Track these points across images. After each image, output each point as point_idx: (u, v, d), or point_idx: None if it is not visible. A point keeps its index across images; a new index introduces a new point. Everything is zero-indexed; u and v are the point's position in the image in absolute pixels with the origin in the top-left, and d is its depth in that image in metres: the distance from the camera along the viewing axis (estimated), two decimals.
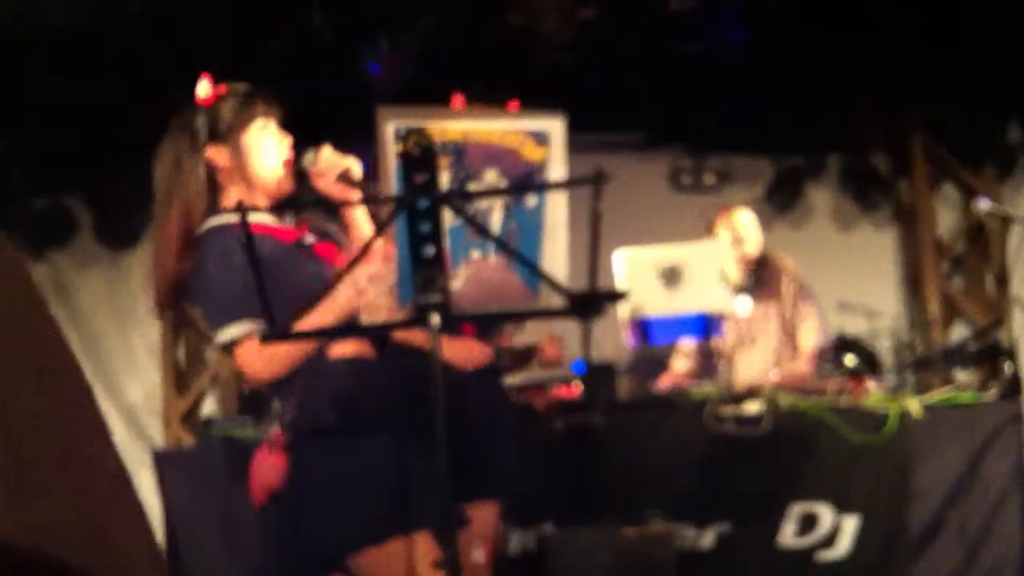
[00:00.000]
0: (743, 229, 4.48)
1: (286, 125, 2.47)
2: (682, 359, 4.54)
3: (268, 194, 2.43)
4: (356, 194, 2.39)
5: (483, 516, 2.57)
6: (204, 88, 2.40)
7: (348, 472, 2.20)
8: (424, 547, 2.17)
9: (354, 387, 2.26)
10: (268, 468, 2.26)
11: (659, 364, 4.54)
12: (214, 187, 2.39)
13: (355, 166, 2.40)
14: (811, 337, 4.41)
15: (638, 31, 5.28)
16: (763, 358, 4.42)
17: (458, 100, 2.58)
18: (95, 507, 1.07)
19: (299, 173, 2.44)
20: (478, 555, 2.54)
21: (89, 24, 4.49)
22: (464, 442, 2.31)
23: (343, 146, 2.61)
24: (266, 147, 2.41)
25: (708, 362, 4.49)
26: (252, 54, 4.61)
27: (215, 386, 6.08)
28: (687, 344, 4.49)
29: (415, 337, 2.10)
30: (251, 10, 4.63)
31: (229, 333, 2.24)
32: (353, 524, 2.18)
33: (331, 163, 2.39)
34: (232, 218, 2.27)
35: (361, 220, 2.45)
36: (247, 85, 2.45)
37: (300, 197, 2.45)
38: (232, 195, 2.39)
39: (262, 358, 2.21)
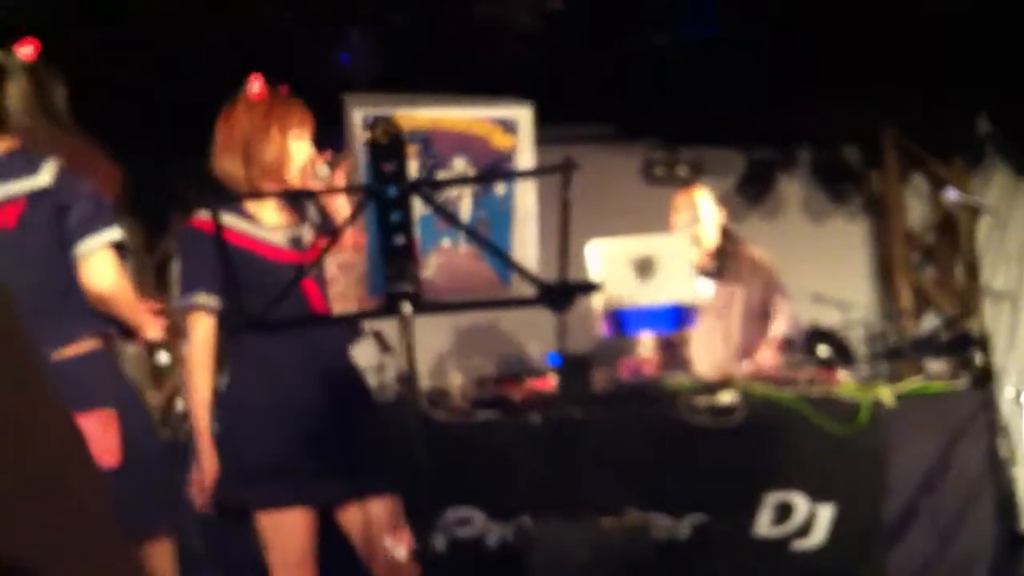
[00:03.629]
0: (699, 207, 4.47)
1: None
2: (648, 350, 4.54)
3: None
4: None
5: (379, 511, 2.62)
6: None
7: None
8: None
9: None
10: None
11: (630, 355, 4.54)
12: None
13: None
14: (781, 329, 4.43)
15: (609, 23, 5.27)
16: (725, 344, 4.43)
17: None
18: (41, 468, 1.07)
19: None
20: (399, 551, 2.59)
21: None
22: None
23: (314, 136, 2.63)
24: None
25: (675, 352, 4.50)
26: (218, 44, 4.57)
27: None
28: (649, 337, 4.49)
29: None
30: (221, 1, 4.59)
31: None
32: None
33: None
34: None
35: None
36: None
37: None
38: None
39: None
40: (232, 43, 4.58)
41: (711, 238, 4.46)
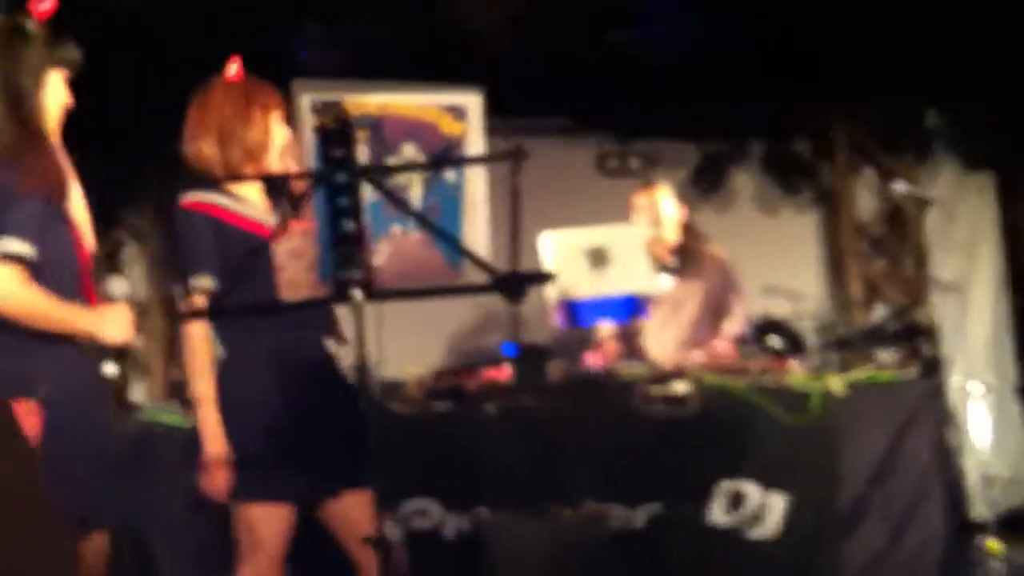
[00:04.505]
0: (661, 206, 4.50)
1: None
2: (607, 339, 4.56)
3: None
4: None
5: (359, 503, 2.61)
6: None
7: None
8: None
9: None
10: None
11: (585, 345, 4.56)
12: None
13: None
14: (733, 328, 4.48)
15: (564, 18, 5.29)
16: (678, 336, 4.46)
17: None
18: None
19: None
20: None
21: None
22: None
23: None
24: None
25: (631, 342, 4.52)
26: (174, 40, 4.52)
27: (143, 372, 5.97)
28: (608, 326, 4.51)
29: None
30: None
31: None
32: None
33: None
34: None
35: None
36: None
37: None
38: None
39: None
40: (184, 31, 4.53)
41: (672, 236, 4.49)
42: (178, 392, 4.28)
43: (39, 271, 2.30)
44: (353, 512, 2.63)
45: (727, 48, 5.42)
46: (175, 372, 4.44)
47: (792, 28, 5.30)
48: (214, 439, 2.53)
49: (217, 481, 2.54)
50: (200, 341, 2.43)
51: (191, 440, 2.59)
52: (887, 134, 6.26)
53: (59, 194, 2.32)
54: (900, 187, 5.16)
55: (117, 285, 2.43)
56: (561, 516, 3.51)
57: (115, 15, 4.37)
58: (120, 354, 2.43)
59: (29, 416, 2.27)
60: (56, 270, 2.34)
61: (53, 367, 2.34)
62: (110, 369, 2.34)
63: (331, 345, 2.68)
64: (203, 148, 2.59)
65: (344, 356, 4.02)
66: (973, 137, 6.27)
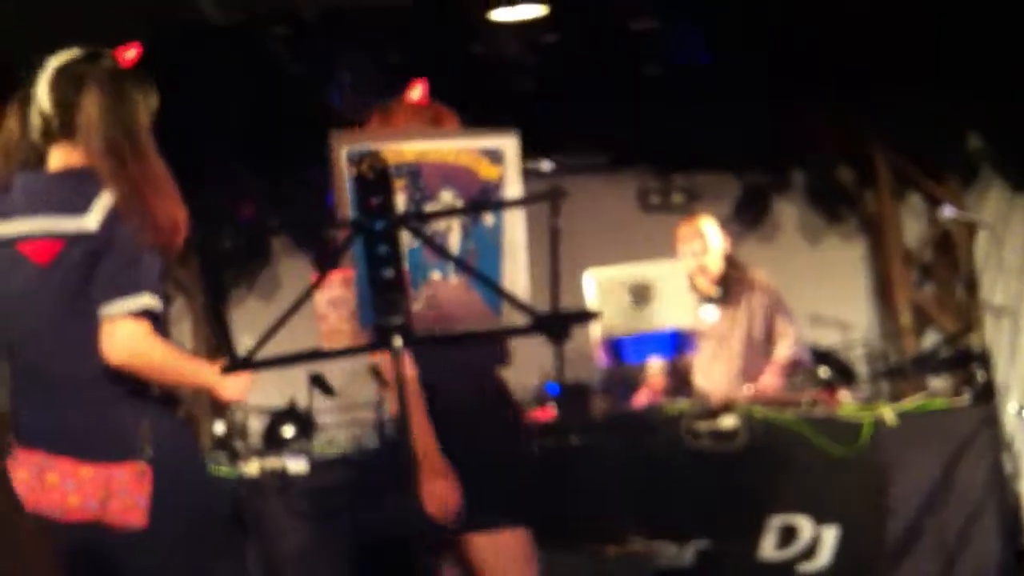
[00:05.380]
0: (706, 237, 4.48)
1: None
2: (656, 375, 4.53)
3: None
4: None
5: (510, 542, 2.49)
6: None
7: None
8: None
9: None
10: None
11: (632, 383, 4.54)
12: None
13: None
14: (785, 352, 4.42)
15: (600, 54, 5.32)
16: (729, 368, 4.43)
17: (416, 89, 2.59)
18: None
19: None
20: None
21: None
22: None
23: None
24: None
25: (680, 378, 4.49)
26: (211, 82, 4.60)
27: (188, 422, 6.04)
28: (657, 362, 4.49)
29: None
30: (211, 36, 4.62)
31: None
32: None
33: None
34: None
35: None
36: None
37: None
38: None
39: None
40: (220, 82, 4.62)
41: (717, 266, 4.47)
42: (224, 444, 4.33)
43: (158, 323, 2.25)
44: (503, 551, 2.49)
45: (765, 79, 5.42)
46: (219, 425, 4.50)
47: (831, 55, 5.29)
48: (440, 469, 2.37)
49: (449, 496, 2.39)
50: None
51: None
52: (930, 159, 6.21)
53: (179, 244, 2.27)
54: (949, 212, 5.11)
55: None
56: (608, 554, 3.49)
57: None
58: (225, 413, 2.33)
59: (140, 481, 2.16)
60: (161, 324, 2.28)
61: (157, 425, 2.23)
62: (219, 428, 2.28)
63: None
64: None
65: (388, 400, 4.05)
66: (1019, 158, 6.20)
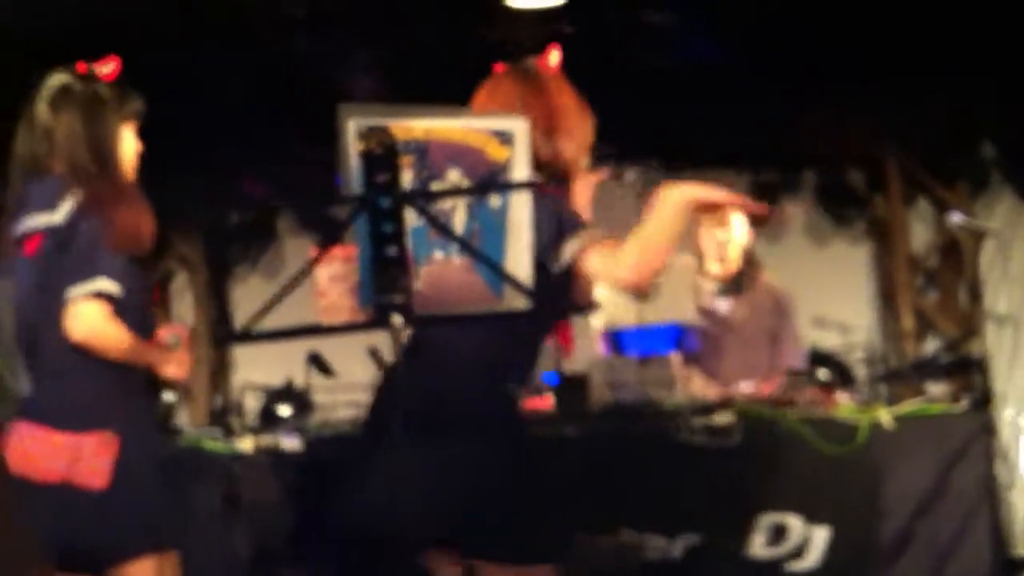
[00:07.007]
0: (734, 227, 4.44)
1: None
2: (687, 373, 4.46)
3: None
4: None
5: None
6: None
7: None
8: None
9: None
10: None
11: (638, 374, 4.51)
12: None
13: None
14: (787, 360, 4.42)
15: (612, 46, 5.30)
16: (729, 362, 4.41)
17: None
18: None
19: None
20: None
21: None
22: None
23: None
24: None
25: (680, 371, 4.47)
26: (221, 67, 4.59)
27: (186, 398, 6.04)
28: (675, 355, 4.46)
29: None
30: (223, 22, 4.61)
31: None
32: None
33: None
34: None
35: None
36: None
37: None
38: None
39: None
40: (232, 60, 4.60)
41: (736, 258, 4.44)
42: (220, 420, 4.34)
43: (121, 311, 2.51)
44: None
45: (778, 77, 5.40)
46: (218, 399, 4.51)
47: (846, 57, 5.28)
48: None
49: None
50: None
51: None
52: (942, 165, 6.20)
53: (142, 247, 2.55)
54: (957, 219, 5.10)
55: (171, 336, 2.67)
56: (598, 545, 3.49)
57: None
58: (172, 386, 2.62)
59: (106, 447, 2.46)
60: (131, 311, 2.55)
61: (124, 400, 2.56)
62: (168, 398, 2.54)
63: None
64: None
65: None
66: None
